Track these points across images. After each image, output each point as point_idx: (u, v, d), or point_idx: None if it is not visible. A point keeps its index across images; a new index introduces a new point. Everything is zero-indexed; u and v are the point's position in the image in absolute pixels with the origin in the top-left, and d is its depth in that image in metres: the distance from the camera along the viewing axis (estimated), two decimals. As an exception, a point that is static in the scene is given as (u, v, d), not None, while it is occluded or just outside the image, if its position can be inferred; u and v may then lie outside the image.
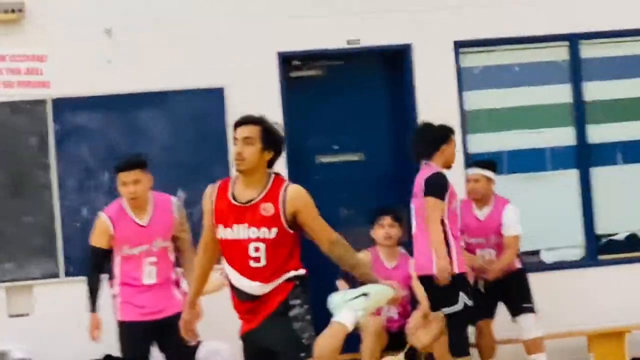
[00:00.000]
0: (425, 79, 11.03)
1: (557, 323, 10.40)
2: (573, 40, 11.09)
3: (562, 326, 10.61)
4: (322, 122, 11.06)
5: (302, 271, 6.26)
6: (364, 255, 9.15)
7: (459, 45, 10.96)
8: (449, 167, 8.52)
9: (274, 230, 5.99)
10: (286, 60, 10.79)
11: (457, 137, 9.59)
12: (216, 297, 8.09)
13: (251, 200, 6.02)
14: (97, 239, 8.33)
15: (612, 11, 11.14)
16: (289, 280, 6.13)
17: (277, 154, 6.16)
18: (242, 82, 10.71)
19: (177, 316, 6.99)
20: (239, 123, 6.20)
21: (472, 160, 10.30)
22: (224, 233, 6.05)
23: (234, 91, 10.70)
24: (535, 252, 11.09)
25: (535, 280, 10.14)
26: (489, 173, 9.77)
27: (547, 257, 10.89)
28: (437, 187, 8.30)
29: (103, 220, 8.33)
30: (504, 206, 9.67)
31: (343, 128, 10.99)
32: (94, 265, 8.42)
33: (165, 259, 8.40)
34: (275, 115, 9.68)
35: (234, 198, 6.03)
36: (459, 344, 8.54)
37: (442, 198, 8.32)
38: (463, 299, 8.45)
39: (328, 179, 10.88)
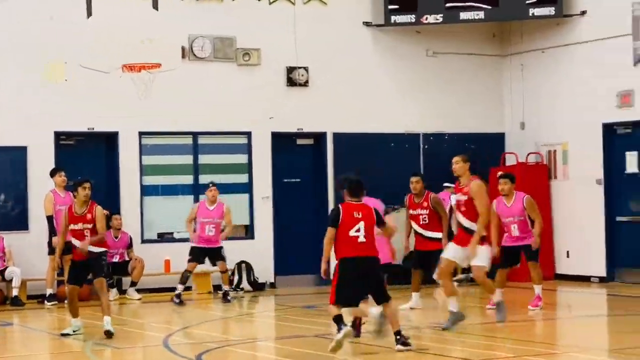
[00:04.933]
0: (126, 151, 18.73)
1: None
2: (195, 134, 19.33)
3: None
4: (76, 168, 17.42)
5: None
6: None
7: (142, 134, 18.91)
8: None
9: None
10: (58, 135, 18.40)
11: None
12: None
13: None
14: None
15: (222, 118, 19.22)
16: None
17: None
18: (37, 144, 18.04)
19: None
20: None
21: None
22: None
23: (32, 150, 18.13)
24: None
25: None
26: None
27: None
28: None
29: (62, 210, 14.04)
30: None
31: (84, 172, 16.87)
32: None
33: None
34: (51, 163, 17.77)
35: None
36: None
37: None
38: None
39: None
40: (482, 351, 11.83)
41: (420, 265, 15.66)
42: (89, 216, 13.15)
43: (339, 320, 11.38)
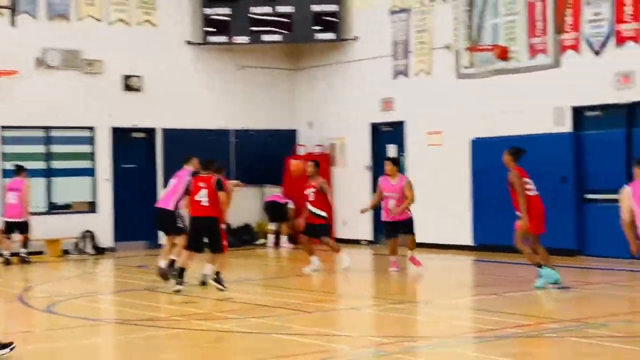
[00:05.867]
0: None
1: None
2: (47, 128, 18.59)
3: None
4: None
5: None
6: None
7: (3, 127, 18.10)
8: None
9: None
10: None
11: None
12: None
13: None
14: None
15: (70, 116, 18.79)
16: None
17: None
18: None
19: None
20: None
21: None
22: None
23: None
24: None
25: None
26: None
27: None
28: None
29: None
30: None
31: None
32: None
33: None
34: None
35: None
36: None
37: None
38: None
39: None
40: (278, 299, 11.84)
41: (308, 233, 14.98)
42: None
43: (181, 272, 11.89)
